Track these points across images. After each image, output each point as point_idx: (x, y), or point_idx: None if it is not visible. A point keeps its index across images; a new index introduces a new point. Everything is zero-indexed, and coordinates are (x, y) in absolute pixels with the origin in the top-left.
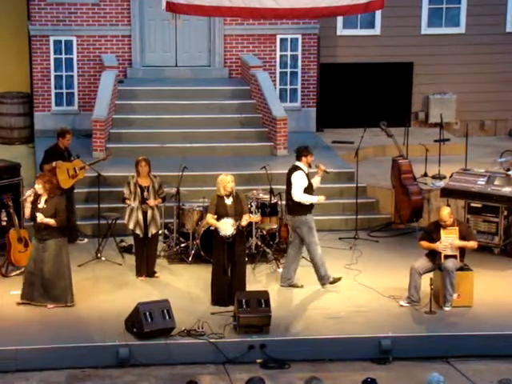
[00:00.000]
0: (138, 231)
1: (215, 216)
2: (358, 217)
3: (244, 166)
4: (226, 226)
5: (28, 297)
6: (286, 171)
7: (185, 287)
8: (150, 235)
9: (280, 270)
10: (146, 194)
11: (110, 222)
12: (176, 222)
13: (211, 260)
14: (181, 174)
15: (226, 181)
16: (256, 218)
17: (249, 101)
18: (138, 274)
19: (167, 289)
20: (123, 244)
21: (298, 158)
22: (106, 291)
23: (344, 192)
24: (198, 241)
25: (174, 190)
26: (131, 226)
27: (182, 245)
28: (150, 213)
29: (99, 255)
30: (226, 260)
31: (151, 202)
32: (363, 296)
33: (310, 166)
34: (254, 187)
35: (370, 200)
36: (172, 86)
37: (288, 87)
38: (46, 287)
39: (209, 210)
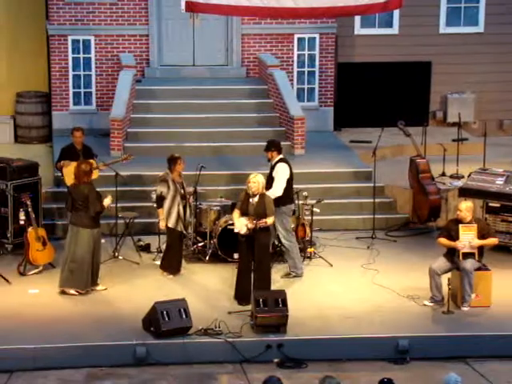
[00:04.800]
0: (180, 228)
1: (238, 212)
2: (376, 216)
3: (261, 166)
4: (240, 225)
5: (87, 286)
6: (304, 171)
7: (202, 286)
8: (189, 231)
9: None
10: (182, 190)
11: (127, 221)
12: (193, 221)
13: (228, 259)
14: (198, 173)
15: (249, 180)
16: (263, 222)
17: (266, 100)
18: (175, 270)
19: (184, 288)
20: (140, 243)
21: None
22: (123, 290)
23: (361, 191)
24: (215, 240)
25: (191, 189)
26: (171, 224)
27: (200, 244)
28: (188, 209)
29: (116, 254)
30: (248, 258)
31: (192, 189)
32: (381, 296)
33: (268, 160)
34: None
35: (388, 200)
36: (189, 86)
37: (305, 86)
38: (94, 272)
39: (236, 204)
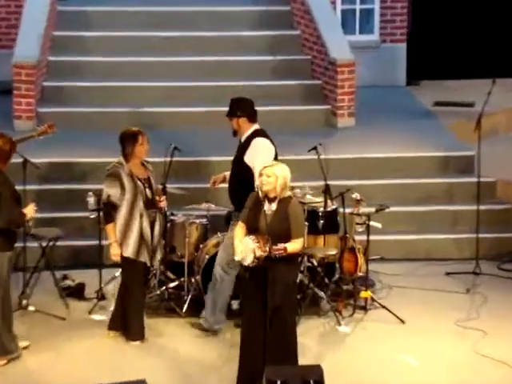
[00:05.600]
0: (144, 257)
1: (242, 228)
2: (481, 236)
3: (280, 147)
4: (245, 249)
5: (8, 350)
6: (354, 156)
7: (176, 360)
8: (155, 263)
9: (343, 328)
10: (148, 191)
11: (44, 244)
12: (161, 245)
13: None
14: (169, 160)
15: (260, 171)
16: (280, 248)
17: (288, 32)
18: (141, 336)
19: (146, 362)
20: (68, 283)
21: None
22: (38, 365)
23: (455, 192)
24: (198, 277)
25: (159, 189)
26: (130, 252)
27: (171, 284)
28: (158, 224)
29: (25, 302)
30: (256, 310)
31: (164, 202)
32: (490, 375)
33: (234, 133)
34: (297, 184)
35: (502, 206)
36: (152, 6)
37: (357, 7)
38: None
39: (241, 214)
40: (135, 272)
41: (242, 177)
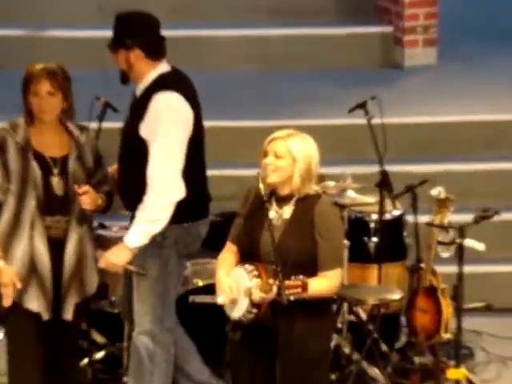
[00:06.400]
0: (35, 304)
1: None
2: None
3: (300, 104)
4: (234, 290)
5: None
6: (434, 119)
7: None
8: (67, 316)
9: None
10: (57, 182)
11: None
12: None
13: None
14: (97, 126)
15: (265, 147)
16: (297, 286)
17: None
18: None
19: None
20: None
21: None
22: None
23: None
24: None
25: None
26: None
27: (99, 354)
28: (72, 242)
29: None
30: None
31: (86, 198)
32: None
33: (123, 79)
34: (330, 170)
35: None
36: None
37: None
38: None
39: (232, 227)
40: (18, 329)
41: (135, 159)
